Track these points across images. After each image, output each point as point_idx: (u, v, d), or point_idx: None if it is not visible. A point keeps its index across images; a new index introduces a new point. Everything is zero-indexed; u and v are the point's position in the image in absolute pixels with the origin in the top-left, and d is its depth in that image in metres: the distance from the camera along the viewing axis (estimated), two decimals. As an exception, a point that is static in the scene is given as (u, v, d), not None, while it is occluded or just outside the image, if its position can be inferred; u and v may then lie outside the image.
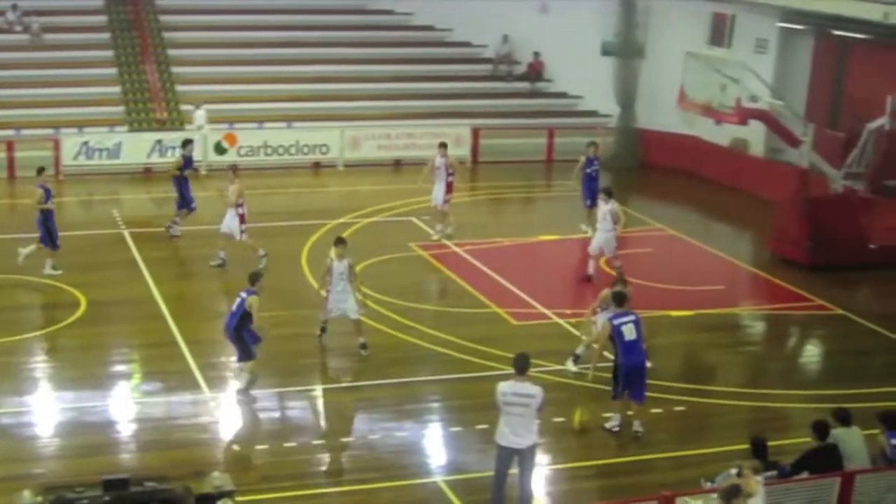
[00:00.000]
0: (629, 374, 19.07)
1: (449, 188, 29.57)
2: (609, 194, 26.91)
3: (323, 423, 19.78)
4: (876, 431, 17.10)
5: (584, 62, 40.75)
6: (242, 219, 26.77)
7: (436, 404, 20.52)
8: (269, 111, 38.71)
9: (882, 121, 31.86)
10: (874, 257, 29.75)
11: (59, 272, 25.97)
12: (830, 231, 29.48)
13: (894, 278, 29.39)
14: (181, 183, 28.86)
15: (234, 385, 20.58)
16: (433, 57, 43.19)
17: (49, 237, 25.95)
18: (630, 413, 19.42)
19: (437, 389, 21.07)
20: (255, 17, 42.60)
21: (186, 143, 29.56)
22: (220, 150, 36.20)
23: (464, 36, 43.59)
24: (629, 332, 19.02)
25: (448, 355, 22.31)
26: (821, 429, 16.54)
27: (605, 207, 26.93)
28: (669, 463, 18.57)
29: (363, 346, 22.00)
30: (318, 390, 20.89)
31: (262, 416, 19.70)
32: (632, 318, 19.15)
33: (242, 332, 20.14)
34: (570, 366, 21.56)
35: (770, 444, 16.41)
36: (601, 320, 20.52)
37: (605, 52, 40.73)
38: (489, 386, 16.55)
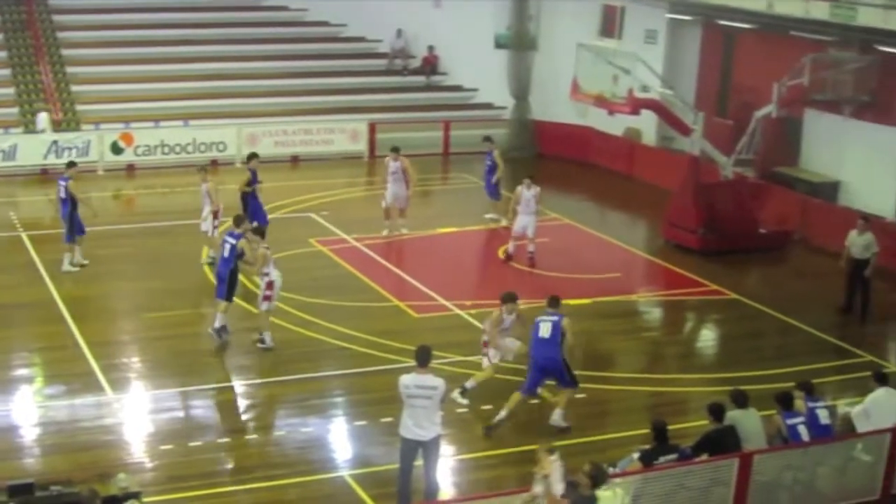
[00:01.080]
0: (537, 369, 19.32)
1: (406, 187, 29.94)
2: (532, 180, 27.98)
3: (228, 420, 19.71)
4: (772, 412, 17.55)
5: (478, 55, 41.14)
6: (216, 215, 26.75)
7: (340, 399, 20.61)
8: (166, 110, 38.48)
9: (769, 108, 32.51)
10: (764, 242, 30.46)
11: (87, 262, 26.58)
12: (722, 217, 30.08)
13: (784, 261, 30.13)
14: (248, 199, 27.52)
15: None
16: (328, 52, 43.27)
17: (77, 229, 26.42)
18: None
19: (340, 384, 21.18)
20: (149, 15, 42.32)
21: (252, 156, 28.44)
22: (116, 149, 35.92)
23: (358, 31, 43.76)
24: (545, 330, 19.19)
25: (351, 350, 22.41)
26: (717, 411, 16.93)
27: (528, 193, 27.91)
28: (572, 449, 18.72)
29: (259, 341, 22.28)
30: (221, 388, 20.84)
31: (166, 416, 19.62)
32: (555, 318, 19.26)
33: (235, 273, 22.10)
34: (458, 398, 20.27)
35: (670, 427, 16.72)
36: (493, 355, 20.50)
37: (499, 45, 41.11)
38: (392, 379, 16.70)
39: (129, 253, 27.77)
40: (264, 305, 22.22)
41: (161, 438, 18.66)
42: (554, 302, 19.72)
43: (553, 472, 14.30)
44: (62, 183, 26.41)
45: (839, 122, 33.17)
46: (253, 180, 27.65)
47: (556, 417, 19.58)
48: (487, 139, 32.44)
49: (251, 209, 26.93)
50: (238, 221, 22.44)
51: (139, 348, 22.37)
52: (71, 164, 27.39)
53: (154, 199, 31.46)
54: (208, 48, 41.49)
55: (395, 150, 29.99)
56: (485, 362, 20.62)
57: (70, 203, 26.24)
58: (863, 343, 24.06)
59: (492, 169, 31.41)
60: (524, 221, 27.90)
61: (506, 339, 20.45)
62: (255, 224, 24.56)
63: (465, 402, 20.30)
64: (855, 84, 32.46)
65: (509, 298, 20.23)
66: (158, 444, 18.48)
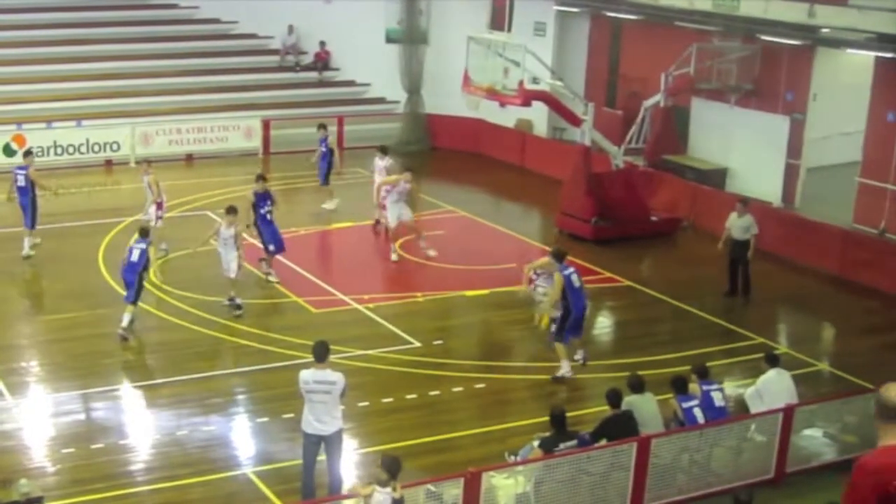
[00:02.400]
0: (578, 319, 21.27)
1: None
2: (385, 151, 29.24)
3: (129, 422, 19.55)
4: (668, 396, 17.97)
5: (370, 50, 41.35)
6: (160, 206, 27.16)
7: (241, 396, 20.62)
8: (58, 110, 37.96)
9: (657, 98, 33.09)
10: (655, 229, 30.95)
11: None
12: (614, 206, 30.49)
13: (675, 248, 30.66)
14: (259, 226, 26.17)
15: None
16: (220, 50, 43.09)
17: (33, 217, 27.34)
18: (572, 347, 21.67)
19: (241, 381, 21.20)
20: (39, 15, 41.66)
21: (260, 178, 26.71)
22: (8, 151, 35.39)
23: (250, 28, 43.64)
24: (577, 280, 21.17)
25: (250, 347, 22.45)
26: (614, 397, 17.29)
27: (380, 164, 29.49)
28: (473, 439, 19.05)
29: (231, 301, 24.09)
30: (121, 390, 20.75)
31: (67, 419, 19.47)
32: (573, 269, 21.35)
33: (142, 277, 22.79)
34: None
35: (569, 414, 17.05)
36: (542, 288, 22.48)
37: (390, 39, 41.36)
38: (293, 375, 16.73)
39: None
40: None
41: (62, 442, 18.54)
42: (563, 255, 21.62)
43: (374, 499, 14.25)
44: (21, 172, 27.31)
45: (725, 110, 33.94)
46: (262, 203, 26.08)
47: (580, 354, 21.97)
48: (322, 126, 32.74)
49: (267, 235, 26.04)
50: (145, 233, 23.27)
51: (37, 352, 22.21)
52: (28, 153, 28.59)
53: (48, 201, 31.09)
54: (100, 47, 41.03)
55: (408, 170, 28.63)
56: (538, 297, 22.90)
57: (31, 191, 27.18)
58: (753, 325, 24.64)
59: (325, 155, 31.83)
60: (393, 210, 28.73)
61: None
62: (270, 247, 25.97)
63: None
64: (739, 73, 33.30)
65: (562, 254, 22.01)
66: (60, 447, 18.35)
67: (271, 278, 26.21)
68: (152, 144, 37.29)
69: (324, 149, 32.05)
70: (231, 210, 24.12)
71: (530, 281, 22.76)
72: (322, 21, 42.51)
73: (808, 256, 28.79)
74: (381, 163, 29.91)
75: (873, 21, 28.06)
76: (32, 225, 27.26)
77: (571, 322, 21.19)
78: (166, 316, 23.56)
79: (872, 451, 8.42)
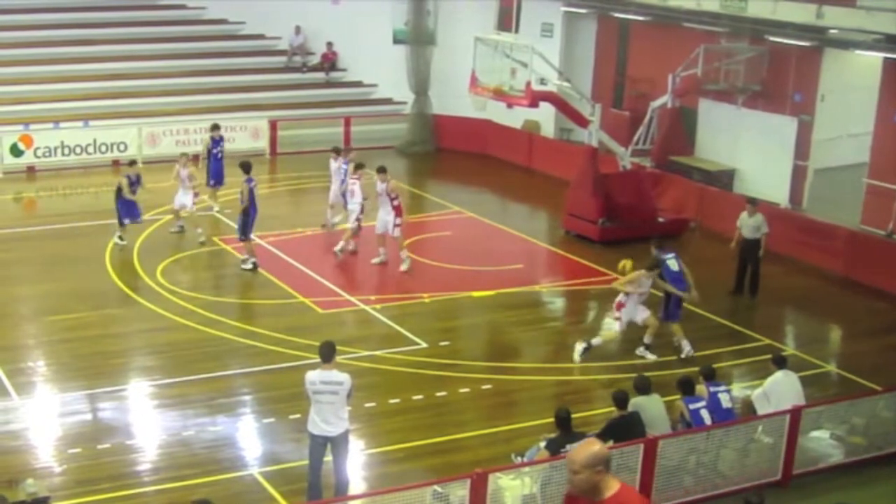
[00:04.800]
0: (679, 301, 22.68)
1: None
2: (338, 153, 28.29)
3: (135, 422, 19.54)
4: (675, 397, 17.96)
5: (377, 51, 41.37)
6: (196, 195, 28.39)
7: (247, 397, 20.60)
8: (65, 110, 37.93)
9: (664, 99, 33.03)
10: (663, 230, 30.83)
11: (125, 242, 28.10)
12: (621, 207, 30.42)
13: (682, 249, 30.46)
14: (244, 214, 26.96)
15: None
16: (228, 50, 43.13)
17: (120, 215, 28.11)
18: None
19: (247, 382, 21.18)
20: (46, 15, 41.69)
21: (246, 166, 27.28)
22: (16, 152, 35.47)
23: (257, 28, 43.66)
24: (672, 265, 22.74)
25: (257, 347, 22.41)
26: (621, 398, 17.27)
27: (334, 165, 29.35)
28: (480, 440, 19.03)
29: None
30: (128, 390, 20.73)
31: (73, 419, 19.45)
32: (672, 254, 23.13)
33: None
34: (648, 355, 22.56)
35: (576, 415, 17.01)
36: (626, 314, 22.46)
37: (397, 40, 41.35)
38: (299, 376, 16.74)
39: (30, 256, 27.52)
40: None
41: (69, 442, 18.53)
42: (662, 242, 23.64)
43: None
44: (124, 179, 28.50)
45: (732, 111, 33.91)
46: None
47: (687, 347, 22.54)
48: (215, 126, 32.17)
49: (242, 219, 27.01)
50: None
51: (44, 352, 22.17)
52: (132, 163, 29.52)
53: (55, 201, 31.27)
54: (107, 48, 41.05)
55: (382, 170, 27.30)
56: (617, 326, 22.52)
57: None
58: (760, 327, 24.60)
59: (220, 156, 31.47)
60: (335, 189, 29.71)
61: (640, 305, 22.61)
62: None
63: (651, 357, 22.47)
64: (746, 74, 33.28)
65: (655, 266, 22.90)
66: (66, 447, 18.34)
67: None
68: (159, 145, 37.29)
69: (220, 149, 31.53)
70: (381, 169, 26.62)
71: (619, 306, 22.59)
72: (329, 22, 42.54)
73: (815, 258, 28.74)
74: (334, 164, 29.73)
75: (881, 22, 28.01)
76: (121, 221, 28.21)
77: (674, 304, 22.73)
78: (173, 316, 23.56)
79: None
